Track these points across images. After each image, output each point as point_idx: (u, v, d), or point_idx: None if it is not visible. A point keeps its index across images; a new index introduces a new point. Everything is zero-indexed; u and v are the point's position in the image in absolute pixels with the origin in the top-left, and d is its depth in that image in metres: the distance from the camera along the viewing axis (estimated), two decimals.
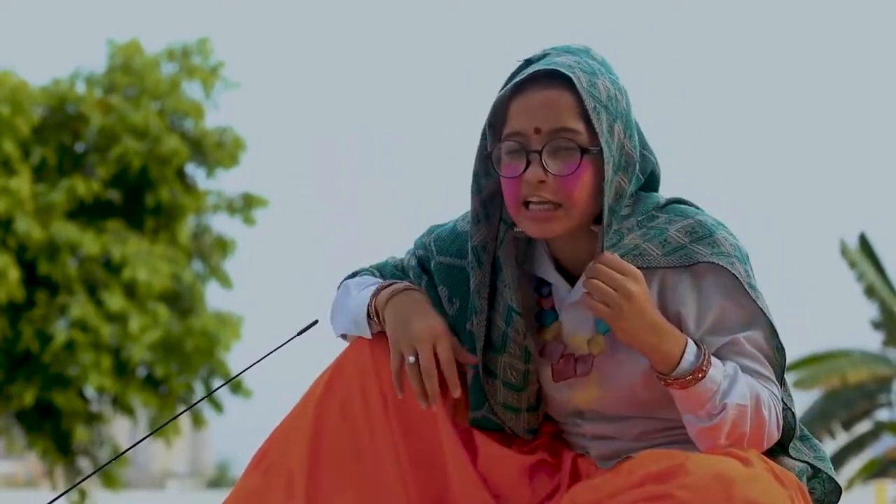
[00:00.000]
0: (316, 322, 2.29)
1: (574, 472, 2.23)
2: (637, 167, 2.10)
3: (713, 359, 2.05)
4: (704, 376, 2.02)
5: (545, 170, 2.02)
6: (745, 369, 2.09)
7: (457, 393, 2.09)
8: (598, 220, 2.07)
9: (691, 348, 2.03)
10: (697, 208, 2.17)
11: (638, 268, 2.03)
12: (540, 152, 2.02)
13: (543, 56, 2.09)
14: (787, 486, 2.03)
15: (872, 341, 20.41)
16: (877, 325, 19.69)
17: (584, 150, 2.02)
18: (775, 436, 2.11)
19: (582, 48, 2.10)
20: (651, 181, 2.18)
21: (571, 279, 2.15)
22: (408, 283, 2.20)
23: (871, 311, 19.55)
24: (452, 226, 2.26)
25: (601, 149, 2.02)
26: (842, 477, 20.74)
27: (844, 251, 19.24)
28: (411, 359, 2.08)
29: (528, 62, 2.10)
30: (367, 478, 2.17)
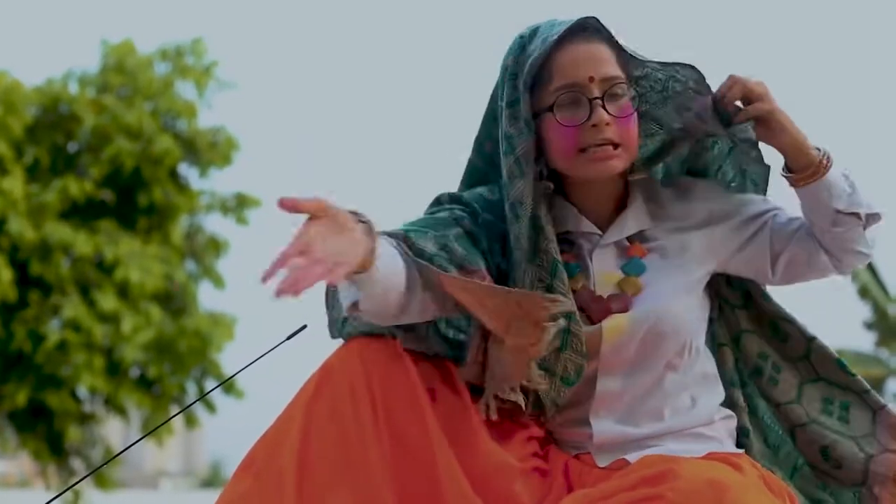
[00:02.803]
0: (305, 326, 2.32)
1: (566, 475, 2.24)
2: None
3: None
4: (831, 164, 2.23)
5: (609, 113, 2.18)
6: None
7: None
8: (630, 170, 2.29)
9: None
10: None
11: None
12: (602, 98, 2.18)
13: (540, 25, 2.23)
14: (777, 494, 2.06)
15: (865, 342, 20.48)
16: (870, 326, 19.72)
17: (632, 98, 2.21)
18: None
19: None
20: None
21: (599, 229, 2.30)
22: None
23: (864, 311, 19.59)
24: (480, 192, 2.31)
25: (636, 94, 2.22)
26: None
27: None
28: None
29: (535, 30, 2.23)
30: (358, 479, 2.15)
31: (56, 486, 16.14)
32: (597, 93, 2.18)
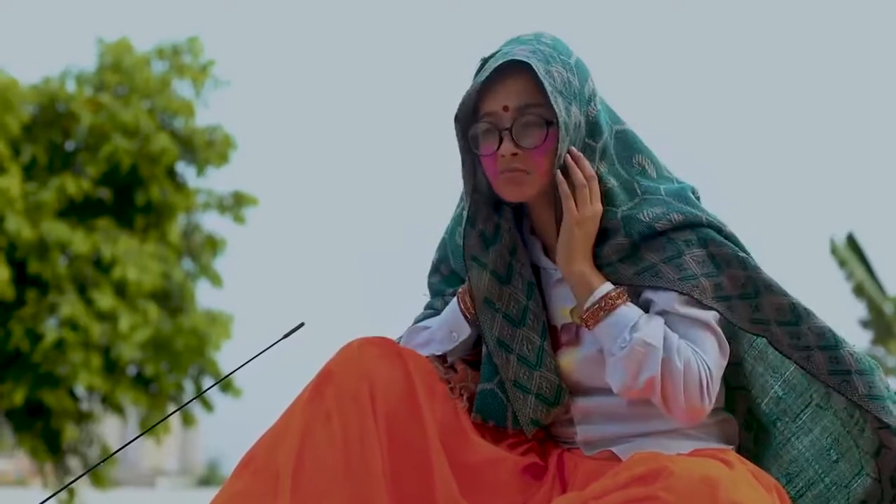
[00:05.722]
0: (302, 324, 2.34)
1: (560, 468, 2.26)
2: (602, 132, 2.23)
3: (631, 304, 2.17)
4: (614, 308, 2.15)
5: (516, 144, 2.18)
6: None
7: None
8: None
9: (609, 285, 2.18)
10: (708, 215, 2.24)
11: (652, 287, 2.17)
12: (510, 129, 2.19)
13: (497, 52, 2.23)
14: (766, 488, 2.07)
15: (861, 340, 20.47)
16: (865, 324, 19.73)
17: (549, 123, 2.18)
18: (698, 402, 2.12)
19: (531, 36, 2.24)
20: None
21: None
22: None
23: (860, 310, 19.61)
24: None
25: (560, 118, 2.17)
26: None
27: (834, 250, 19.29)
28: None
29: (486, 60, 2.24)
30: (356, 483, 2.16)
31: (53, 485, 16.15)
32: (507, 123, 2.19)
